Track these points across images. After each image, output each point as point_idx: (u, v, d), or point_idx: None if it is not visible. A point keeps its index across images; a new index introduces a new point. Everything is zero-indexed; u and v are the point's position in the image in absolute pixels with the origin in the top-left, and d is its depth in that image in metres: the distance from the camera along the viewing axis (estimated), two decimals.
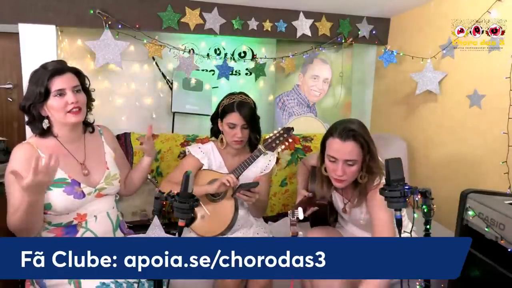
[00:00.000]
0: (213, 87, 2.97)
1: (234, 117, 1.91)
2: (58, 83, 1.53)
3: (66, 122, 1.58)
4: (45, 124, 1.58)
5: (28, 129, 2.14)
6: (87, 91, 1.67)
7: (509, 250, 1.50)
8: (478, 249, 1.63)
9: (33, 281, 1.56)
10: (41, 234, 1.58)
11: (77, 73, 1.63)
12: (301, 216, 1.56)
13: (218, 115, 2.00)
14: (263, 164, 2.05)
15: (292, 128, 1.99)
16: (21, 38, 2.22)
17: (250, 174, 2.01)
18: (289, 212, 1.59)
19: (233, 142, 1.95)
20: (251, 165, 1.96)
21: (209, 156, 2.03)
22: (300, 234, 1.47)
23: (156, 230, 1.14)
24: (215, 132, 2.05)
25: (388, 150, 2.50)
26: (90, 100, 1.69)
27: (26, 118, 1.61)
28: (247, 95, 2.01)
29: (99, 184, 1.64)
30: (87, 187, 1.60)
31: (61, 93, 1.54)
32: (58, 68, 1.56)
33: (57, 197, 1.54)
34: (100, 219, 1.63)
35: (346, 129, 1.60)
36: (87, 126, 1.72)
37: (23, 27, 2.22)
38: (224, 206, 1.95)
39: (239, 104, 1.93)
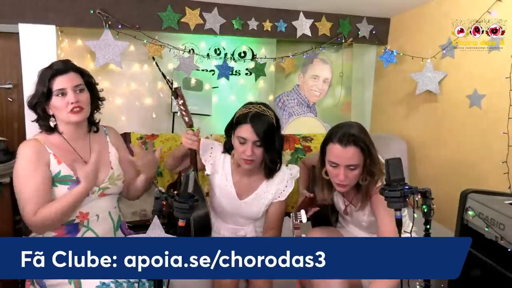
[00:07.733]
0: (213, 87, 2.96)
1: (246, 130, 1.70)
2: (59, 82, 1.55)
3: (68, 121, 1.59)
4: (52, 122, 1.60)
5: (28, 129, 2.16)
6: (93, 90, 1.67)
7: (509, 250, 1.50)
8: (478, 249, 1.63)
9: (33, 281, 1.56)
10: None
11: (81, 72, 1.64)
12: (304, 220, 1.55)
13: (232, 126, 1.79)
14: (278, 189, 1.86)
15: (178, 88, 1.90)
16: (21, 38, 2.22)
17: (260, 195, 1.86)
18: (291, 214, 1.58)
19: (241, 160, 1.73)
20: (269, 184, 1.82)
21: (216, 164, 1.88)
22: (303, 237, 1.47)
23: (156, 230, 1.14)
24: (229, 148, 1.84)
25: (388, 150, 2.50)
26: (97, 99, 1.71)
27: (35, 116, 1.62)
28: (267, 107, 1.78)
29: (103, 183, 1.65)
30: None
31: (62, 92, 1.55)
32: (60, 68, 1.58)
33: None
34: (102, 218, 1.64)
35: (346, 134, 1.58)
36: (92, 125, 1.72)
37: (23, 27, 2.22)
38: None
39: (254, 115, 1.70)
